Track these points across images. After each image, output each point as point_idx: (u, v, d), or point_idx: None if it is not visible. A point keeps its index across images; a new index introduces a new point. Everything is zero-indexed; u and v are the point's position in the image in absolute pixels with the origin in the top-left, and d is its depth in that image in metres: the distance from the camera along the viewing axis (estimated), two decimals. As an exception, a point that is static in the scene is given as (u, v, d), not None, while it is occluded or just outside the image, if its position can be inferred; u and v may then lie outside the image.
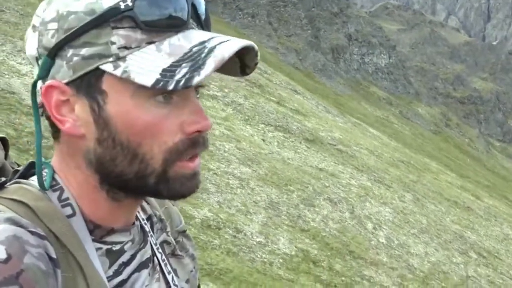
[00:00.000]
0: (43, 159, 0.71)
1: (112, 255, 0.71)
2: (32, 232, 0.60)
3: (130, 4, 0.62)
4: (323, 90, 33.14)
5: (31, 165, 0.73)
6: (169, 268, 0.82)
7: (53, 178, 0.70)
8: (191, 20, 0.66)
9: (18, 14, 10.28)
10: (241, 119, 11.36)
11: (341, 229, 7.82)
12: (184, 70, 0.60)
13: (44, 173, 0.70)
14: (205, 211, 6.22)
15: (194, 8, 0.67)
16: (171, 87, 0.59)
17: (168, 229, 0.87)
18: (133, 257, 0.74)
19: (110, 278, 0.70)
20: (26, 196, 0.65)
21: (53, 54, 0.64)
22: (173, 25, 0.64)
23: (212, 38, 0.64)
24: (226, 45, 0.62)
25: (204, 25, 0.69)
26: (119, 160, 0.65)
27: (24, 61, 8.27)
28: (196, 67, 0.60)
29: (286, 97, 16.64)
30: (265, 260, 5.94)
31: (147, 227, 0.81)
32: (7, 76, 7.35)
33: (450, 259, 9.11)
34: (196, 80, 0.59)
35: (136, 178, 0.66)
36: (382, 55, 48.83)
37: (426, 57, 68.75)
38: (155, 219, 0.85)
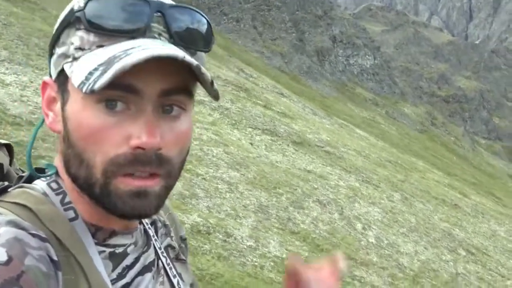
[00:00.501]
0: (45, 163, 0.73)
1: (115, 258, 0.71)
2: (33, 235, 0.61)
3: (82, 5, 0.62)
4: (309, 93, 33.23)
5: (37, 171, 0.74)
6: (175, 272, 0.82)
7: (57, 182, 0.70)
8: (156, 29, 0.64)
9: (1, 24, 10.20)
10: (228, 123, 11.36)
11: (331, 230, 7.85)
12: (96, 74, 0.58)
13: (46, 178, 0.72)
14: (195, 217, 6.21)
15: (164, 18, 0.64)
16: (84, 89, 0.58)
17: (173, 234, 0.87)
18: (136, 260, 0.74)
19: (113, 281, 0.70)
20: (29, 200, 0.66)
21: (49, 53, 0.69)
22: (123, 31, 0.62)
23: (146, 47, 0.60)
24: (140, 52, 0.58)
25: (177, 37, 0.65)
26: (71, 162, 0.66)
27: (8, 71, 8.20)
28: (104, 71, 0.58)
29: (272, 101, 16.68)
30: (256, 263, 5.94)
31: (151, 231, 0.81)
32: None
33: (439, 257, 9.19)
34: (98, 85, 0.57)
35: (86, 185, 0.65)
36: (367, 56, 49.08)
37: (410, 57, 69.30)
38: (159, 224, 0.85)
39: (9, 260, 0.56)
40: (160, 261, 0.80)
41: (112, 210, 0.65)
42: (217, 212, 6.73)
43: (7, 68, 8.27)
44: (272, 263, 6.09)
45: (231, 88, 15.04)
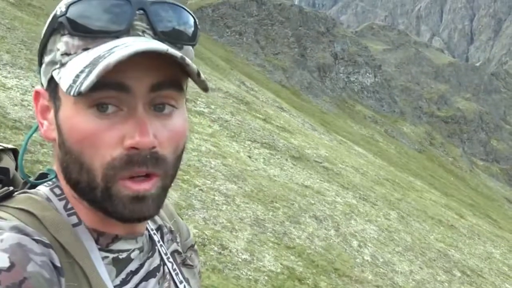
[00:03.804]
0: (46, 167, 0.73)
1: (119, 264, 0.71)
2: (36, 241, 0.61)
3: (64, 10, 0.62)
4: (309, 108, 33.32)
5: (41, 177, 0.74)
6: (181, 278, 0.82)
7: (59, 187, 0.70)
8: (139, 27, 0.64)
9: (5, 28, 10.24)
10: (227, 135, 11.37)
11: (326, 246, 7.82)
12: (82, 76, 0.58)
13: (51, 182, 0.72)
14: (190, 228, 6.18)
15: (147, 16, 0.64)
16: (72, 92, 0.58)
17: (178, 239, 0.87)
18: (141, 266, 0.74)
19: (117, 287, 0.70)
20: (33, 206, 0.66)
21: (39, 62, 0.68)
22: (106, 31, 0.62)
23: (125, 43, 0.60)
24: (124, 49, 0.58)
25: (162, 34, 0.65)
26: (71, 168, 0.65)
27: (10, 75, 8.22)
28: (89, 72, 0.57)
29: (272, 115, 16.71)
30: (251, 277, 5.91)
31: (157, 237, 0.81)
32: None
33: (434, 277, 9.14)
34: (84, 86, 0.56)
35: (89, 189, 0.65)
36: (367, 74, 49.38)
37: (411, 76, 69.65)
38: (165, 230, 0.85)
39: (12, 266, 0.56)
40: (166, 267, 0.80)
41: (112, 213, 0.65)
42: (213, 224, 6.70)
43: (9, 72, 8.29)
44: (266, 277, 6.05)
45: (231, 101, 15.07)
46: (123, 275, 0.71)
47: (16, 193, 0.70)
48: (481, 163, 60.65)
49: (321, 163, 13.04)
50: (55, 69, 0.64)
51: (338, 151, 17.81)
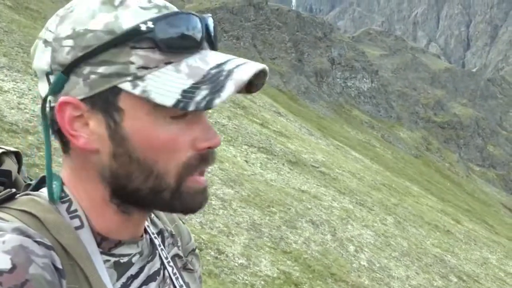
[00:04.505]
0: (39, 170, 0.73)
1: (120, 268, 0.72)
2: (38, 242, 0.61)
3: (151, 26, 0.63)
4: (306, 113, 33.37)
5: (43, 179, 0.74)
6: (181, 282, 0.82)
7: (62, 190, 0.70)
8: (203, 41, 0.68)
9: (2, 31, 10.23)
10: (224, 140, 11.36)
11: (323, 251, 7.81)
12: (204, 92, 0.62)
13: (53, 186, 0.71)
14: (187, 232, 6.17)
15: (206, 28, 0.69)
16: (191, 108, 0.62)
17: (179, 243, 0.88)
18: (141, 270, 0.75)
19: None
20: (35, 208, 0.66)
21: (68, 70, 0.65)
22: (190, 46, 0.66)
23: (228, 60, 0.66)
24: (244, 68, 0.64)
25: (215, 45, 0.70)
26: (134, 176, 0.66)
27: (7, 77, 8.20)
28: (216, 89, 0.62)
29: (269, 119, 16.72)
30: (247, 282, 5.89)
31: (158, 241, 0.81)
32: None
33: (430, 283, 9.14)
34: (217, 102, 0.61)
35: (152, 194, 0.67)
36: (364, 79, 49.50)
37: (407, 82, 69.83)
38: (166, 234, 0.85)
39: (13, 268, 0.56)
40: (166, 271, 0.80)
41: (180, 209, 0.70)
42: (210, 228, 6.69)
43: (6, 75, 8.27)
44: (263, 282, 6.04)
45: (228, 105, 15.07)
46: (123, 279, 0.72)
47: (18, 195, 0.70)
48: (477, 168, 60.77)
49: (318, 168, 13.05)
50: (124, 81, 0.63)
51: (335, 156, 17.82)
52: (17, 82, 8.16)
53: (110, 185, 0.68)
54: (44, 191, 0.71)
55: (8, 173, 0.82)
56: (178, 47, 0.64)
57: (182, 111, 0.64)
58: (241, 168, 9.85)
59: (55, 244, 0.64)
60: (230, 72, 0.63)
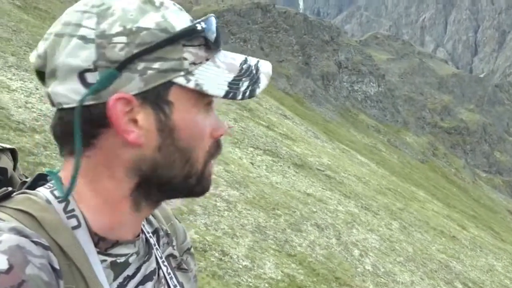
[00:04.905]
0: (46, 169, 0.73)
1: (117, 268, 0.71)
2: (35, 242, 0.60)
3: (204, 26, 0.70)
4: (312, 116, 33.35)
5: (39, 177, 0.73)
6: (175, 282, 0.83)
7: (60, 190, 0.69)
8: None
9: (11, 30, 10.28)
10: (230, 141, 11.36)
11: (327, 255, 7.78)
12: (246, 84, 0.71)
13: (51, 184, 0.71)
14: (191, 233, 6.16)
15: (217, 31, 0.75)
16: (239, 97, 0.70)
17: (174, 243, 0.88)
18: (138, 270, 0.75)
19: None
20: (32, 207, 0.66)
21: (121, 67, 0.65)
22: (220, 45, 0.74)
23: (246, 57, 0.76)
24: (264, 64, 0.76)
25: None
26: (175, 164, 0.71)
27: (15, 77, 8.24)
28: (254, 81, 0.72)
29: (275, 122, 16.71)
30: (251, 284, 5.88)
31: (153, 240, 0.82)
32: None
33: (435, 289, 9.09)
34: (258, 91, 0.72)
35: (183, 180, 0.72)
36: (371, 83, 49.43)
37: (414, 87, 69.64)
38: (161, 233, 0.86)
39: (10, 268, 0.56)
40: (161, 271, 0.80)
41: (198, 192, 0.76)
42: (214, 229, 6.68)
43: (14, 74, 8.31)
44: (267, 285, 6.02)
45: (235, 107, 15.08)
46: (120, 279, 0.72)
47: (14, 193, 0.69)
48: (484, 174, 60.51)
49: (323, 171, 13.02)
50: (178, 76, 0.68)
51: (341, 159, 17.78)
52: (25, 81, 8.19)
53: (141, 178, 0.70)
54: (41, 190, 0.70)
55: (3, 170, 0.82)
56: (218, 45, 0.72)
57: (230, 100, 0.70)
58: (246, 170, 9.84)
59: (52, 244, 0.63)
60: (257, 67, 0.74)
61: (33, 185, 0.72)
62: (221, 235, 6.62)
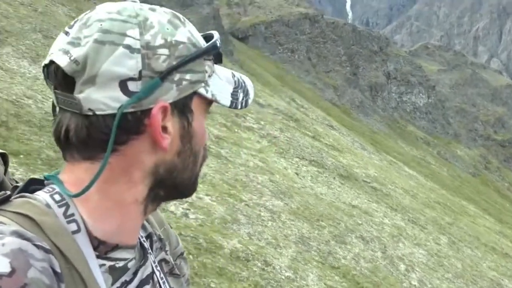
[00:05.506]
0: (47, 173, 0.75)
1: (115, 272, 0.72)
2: (37, 246, 0.61)
3: (219, 44, 0.77)
4: (359, 127, 32.93)
5: (31, 182, 0.74)
6: (168, 287, 0.83)
7: (60, 194, 0.70)
8: None
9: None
10: (275, 152, 11.37)
11: (372, 268, 7.64)
12: (241, 95, 0.79)
13: (50, 188, 0.71)
14: (235, 242, 6.19)
15: None
16: (239, 107, 0.78)
17: (167, 248, 0.89)
18: (134, 275, 0.76)
19: None
20: (32, 210, 0.66)
21: (163, 77, 0.69)
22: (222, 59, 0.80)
23: (232, 71, 0.81)
24: (246, 78, 0.82)
25: None
26: (189, 167, 0.76)
27: (32, 66, 8.53)
28: (246, 93, 0.80)
29: (322, 132, 16.61)
30: (293, 295, 5.84)
31: (147, 245, 0.83)
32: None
33: (486, 307, 8.76)
34: (250, 102, 0.80)
35: (188, 181, 0.78)
36: (421, 94, 48.37)
37: (466, 98, 67.61)
38: (154, 238, 0.87)
39: (13, 271, 0.57)
40: (155, 275, 0.81)
41: (191, 192, 0.80)
42: (258, 239, 6.69)
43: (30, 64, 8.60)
44: (309, 297, 5.97)
45: (281, 117, 15.09)
46: (118, 284, 0.72)
47: (12, 197, 0.70)
48: (539, 190, 57.91)
49: (369, 183, 12.82)
50: (201, 87, 0.74)
51: (388, 171, 17.46)
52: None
53: (156, 181, 0.73)
54: (40, 194, 0.70)
55: None
56: (221, 60, 0.79)
57: (232, 109, 0.77)
58: (291, 180, 9.81)
59: (52, 248, 0.64)
60: (244, 80, 0.81)
61: (25, 190, 0.72)
62: (264, 245, 6.62)
